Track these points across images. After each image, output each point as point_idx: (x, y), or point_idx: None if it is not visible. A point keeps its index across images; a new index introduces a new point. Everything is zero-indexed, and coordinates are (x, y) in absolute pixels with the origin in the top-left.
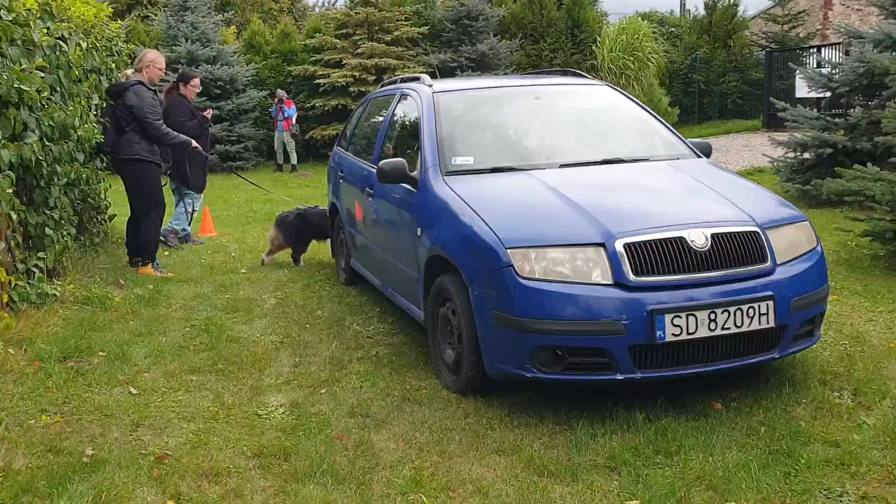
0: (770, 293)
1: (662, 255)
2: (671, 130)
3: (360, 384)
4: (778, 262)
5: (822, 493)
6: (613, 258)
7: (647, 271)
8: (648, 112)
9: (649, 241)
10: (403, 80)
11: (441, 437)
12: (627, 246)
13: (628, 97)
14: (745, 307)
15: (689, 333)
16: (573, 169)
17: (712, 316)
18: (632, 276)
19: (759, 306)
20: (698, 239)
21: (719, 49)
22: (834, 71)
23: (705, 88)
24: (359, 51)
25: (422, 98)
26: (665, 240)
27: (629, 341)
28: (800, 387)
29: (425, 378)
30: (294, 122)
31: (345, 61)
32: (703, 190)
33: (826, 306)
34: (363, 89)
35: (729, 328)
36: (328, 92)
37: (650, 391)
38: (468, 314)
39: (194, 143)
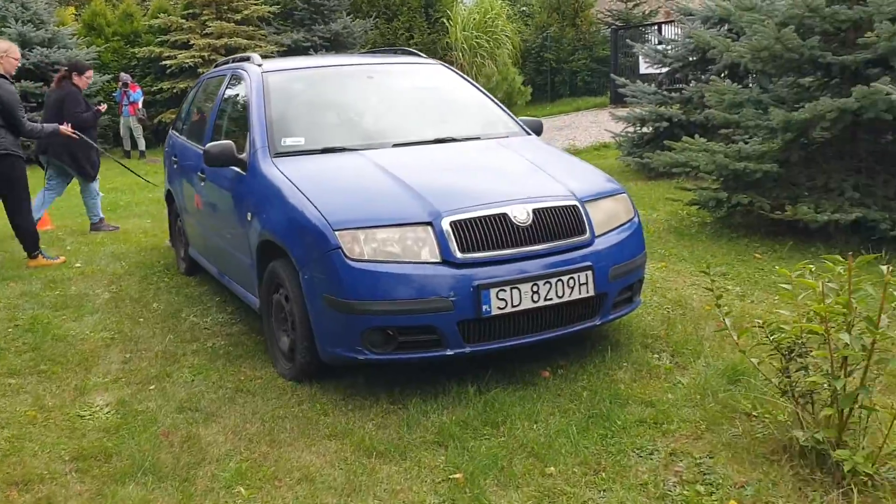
0: (589, 263)
1: (487, 232)
2: (503, 109)
3: (192, 378)
4: (596, 234)
5: (636, 453)
6: (441, 236)
7: (472, 248)
8: (481, 91)
9: (474, 219)
10: (235, 60)
11: (272, 427)
12: (454, 224)
13: (462, 76)
14: (565, 278)
15: (513, 306)
16: (405, 149)
17: (535, 288)
18: (458, 254)
19: (578, 276)
20: (520, 214)
21: (568, 27)
22: (668, 47)
23: (556, 67)
24: (207, 31)
25: (251, 78)
26: (489, 216)
27: (457, 317)
28: (623, 351)
29: (262, 368)
30: (140, 106)
31: (192, 42)
32: (529, 167)
33: (644, 273)
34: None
35: (551, 299)
36: (176, 74)
37: (482, 364)
38: (300, 299)
39: (66, 130)
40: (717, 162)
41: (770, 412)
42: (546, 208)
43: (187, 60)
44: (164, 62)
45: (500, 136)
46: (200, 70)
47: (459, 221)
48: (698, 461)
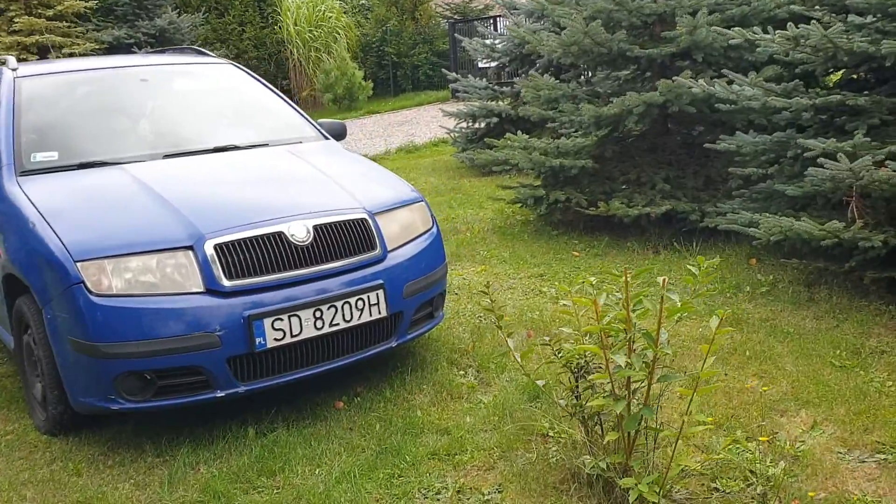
0: (380, 282)
1: (259, 254)
2: (299, 112)
3: None
4: (389, 248)
5: (422, 493)
6: (204, 262)
7: (242, 273)
8: (275, 93)
9: (243, 240)
10: None
11: (10, 496)
12: (219, 247)
13: (255, 77)
14: (353, 300)
15: (293, 336)
16: (178, 160)
17: (318, 314)
18: (225, 281)
19: (368, 297)
20: (299, 232)
21: (408, 21)
22: (496, 41)
23: (398, 61)
24: (14, 27)
25: (1, 83)
26: (262, 236)
27: (226, 353)
28: (427, 370)
29: (19, 419)
30: None
31: None
32: (317, 176)
33: (445, 286)
34: None
35: (338, 324)
36: None
37: (270, 399)
38: (45, 341)
39: None
40: (532, 159)
41: (566, 432)
42: (329, 224)
43: None
44: None
45: (292, 143)
46: None
47: (226, 244)
48: (486, 498)
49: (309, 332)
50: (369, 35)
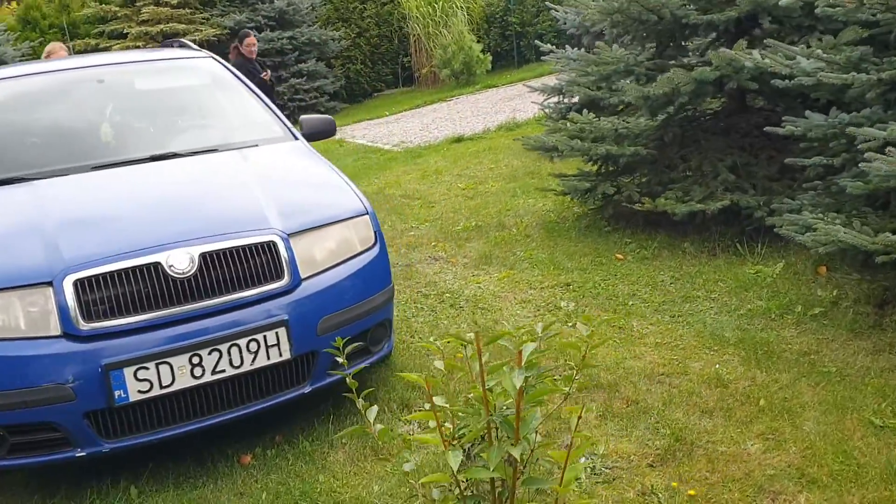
0: (282, 318)
1: (128, 290)
2: (272, 112)
3: None
4: (304, 276)
5: None
6: (61, 301)
7: (104, 314)
8: (250, 91)
9: (109, 273)
10: None
11: None
12: (79, 282)
13: (233, 73)
14: (242, 342)
15: (163, 387)
16: (103, 173)
17: (195, 360)
18: (82, 324)
19: (264, 337)
20: (180, 263)
21: None
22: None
23: (521, 31)
24: (142, 17)
25: None
26: (132, 268)
27: (82, 407)
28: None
29: None
30: None
31: (127, 30)
32: (240, 190)
33: (389, 314)
34: None
35: (223, 370)
36: None
37: (150, 455)
38: None
39: None
40: (575, 146)
41: None
42: (222, 250)
43: (130, 48)
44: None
45: (248, 146)
46: None
47: (87, 279)
48: None
49: (184, 381)
50: (493, 5)
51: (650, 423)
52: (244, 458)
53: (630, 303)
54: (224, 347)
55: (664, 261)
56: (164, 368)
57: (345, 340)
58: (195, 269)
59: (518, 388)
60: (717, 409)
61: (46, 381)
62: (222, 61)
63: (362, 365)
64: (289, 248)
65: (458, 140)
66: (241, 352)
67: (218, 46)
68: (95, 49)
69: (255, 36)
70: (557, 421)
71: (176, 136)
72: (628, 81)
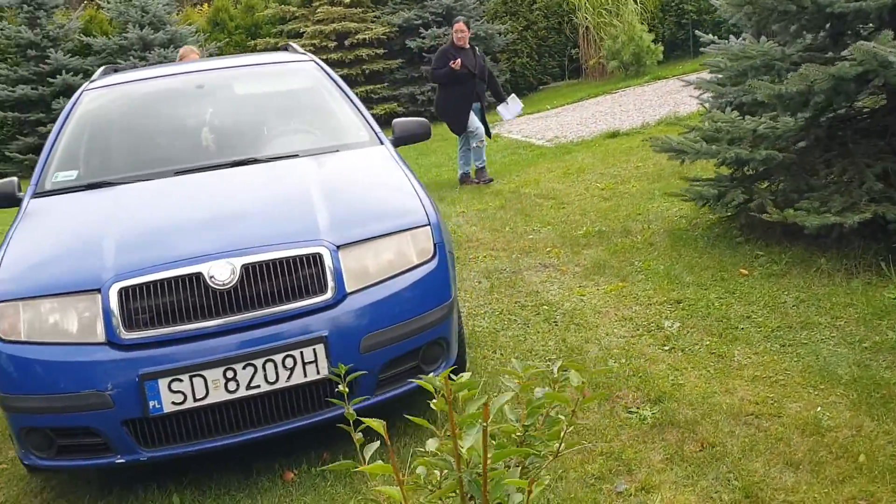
0: (320, 334)
1: (170, 300)
2: (361, 116)
3: None
4: (351, 290)
5: None
6: (106, 309)
7: (144, 323)
8: (345, 93)
9: (150, 283)
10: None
11: None
12: (123, 291)
13: (329, 77)
14: (278, 358)
15: (196, 400)
16: (182, 178)
17: (229, 374)
18: (123, 332)
19: (302, 353)
20: (221, 274)
21: None
22: None
23: (698, 19)
24: (317, 17)
25: (73, 97)
26: (174, 278)
27: (120, 416)
28: (423, 436)
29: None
30: None
31: (303, 30)
32: (300, 198)
33: (446, 331)
34: (324, 57)
35: (258, 386)
36: None
37: (199, 463)
38: None
39: None
40: (700, 148)
41: None
42: (266, 261)
43: None
44: None
45: (330, 151)
46: None
47: (131, 287)
48: None
49: (218, 395)
50: None
51: (722, 472)
52: (287, 474)
53: (741, 326)
54: (259, 362)
55: (792, 279)
56: (197, 381)
57: (385, 361)
58: (236, 280)
59: (482, 446)
60: (805, 461)
61: (88, 388)
62: (322, 65)
63: (408, 388)
64: (336, 261)
65: (613, 135)
66: (276, 368)
67: (387, 44)
68: (274, 49)
69: (449, 28)
70: (617, 462)
71: (265, 141)
72: (762, 79)
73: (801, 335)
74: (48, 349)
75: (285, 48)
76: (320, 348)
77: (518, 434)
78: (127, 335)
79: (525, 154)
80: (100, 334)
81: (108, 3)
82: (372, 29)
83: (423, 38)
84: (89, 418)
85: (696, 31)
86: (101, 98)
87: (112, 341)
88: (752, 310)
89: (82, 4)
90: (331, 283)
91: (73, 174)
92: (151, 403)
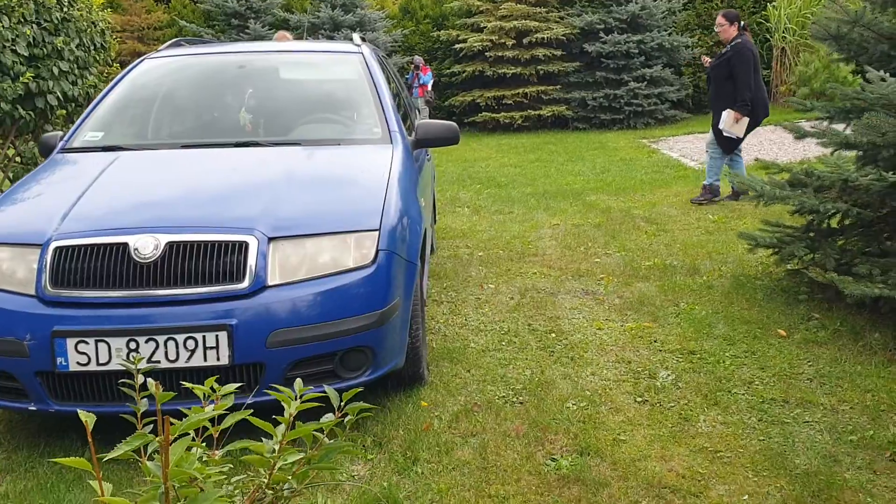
0: (225, 322)
1: (95, 265)
2: (385, 113)
3: None
4: (273, 282)
5: None
6: (41, 264)
7: (68, 283)
8: (376, 90)
9: (84, 246)
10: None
11: None
12: (58, 250)
13: (370, 71)
14: (180, 338)
15: (99, 364)
16: (184, 152)
17: (132, 345)
18: (49, 289)
19: (204, 338)
20: (145, 248)
21: None
22: None
23: None
24: (500, 13)
25: (133, 63)
26: (103, 245)
27: (34, 367)
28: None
29: None
30: (430, 88)
31: (483, 24)
32: (261, 187)
33: (376, 340)
34: (500, 54)
35: (158, 361)
36: (470, 57)
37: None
38: None
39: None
40: (777, 194)
41: None
42: (188, 242)
43: (475, 44)
44: (457, 45)
45: (329, 144)
46: (489, 54)
47: (66, 248)
48: None
49: (119, 363)
50: None
51: None
52: None
53: (734, 391)
54: (161, 339)
55: (830, 350)
56: (102, 346)
57: (293, 360)
58: (157, 256)
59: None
60: None
61: (9, 335)
62: (369, 58)
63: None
64: (262, 253)
65: (766, 168)
66: (177, 347)
67: (566, 46)
68: (456, 40)
69: (604, 37)
70: None
71: (284, 126)
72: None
73: (790, 413)
74: None
75: (345, 39)
76: (223, 335)
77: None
78: (51, 291)
79: (667, 174)
80: (32, 287)
81: None
82: (552, 29)
83: (604, 42)
84: (9, 364)
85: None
86: (154, 68)
87: (39, 296)
88: (759, 376)
89: None
90: (249, 273)
91: (99, 135)
92: (59, 360)
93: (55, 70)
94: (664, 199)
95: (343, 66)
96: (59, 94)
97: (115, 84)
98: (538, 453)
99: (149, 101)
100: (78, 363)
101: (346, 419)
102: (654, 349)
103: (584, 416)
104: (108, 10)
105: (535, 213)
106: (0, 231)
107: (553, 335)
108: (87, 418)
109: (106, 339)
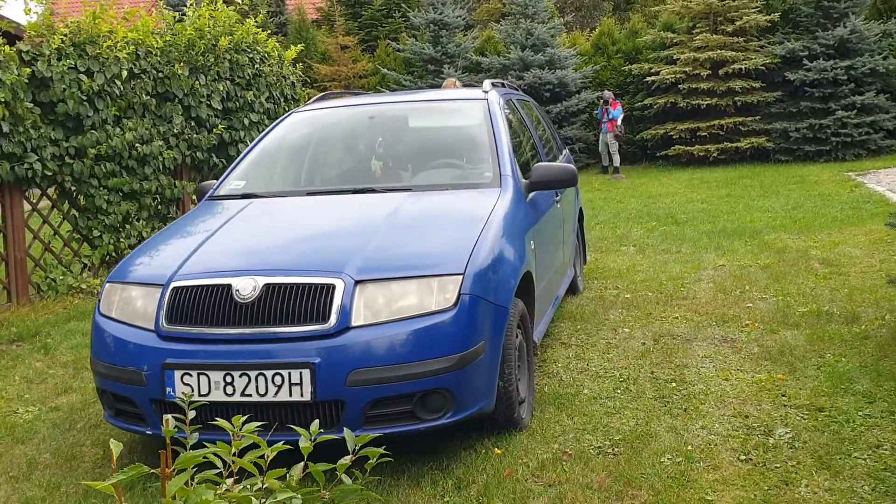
0: (309, 360)
1: (203, 304)
2: (500, 158)
3: None
4: (357, 324)
5: None
6: (160, 302)
7: (179, 320)
8: (494, 136)
9: (196, 287)
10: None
11: None
12: (176, 290)
13: (492, 118)
14: (269, 373)
15: (200, 395)
16: (307, 199)
17: (228, 378)
18: (164, 324)
19: (290, 374)
20: (245, 289)
21: None
22: None
23: None
24: (695, 44)
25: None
26: (211, 286)
27: (149, 394)
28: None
29: None
30: (619, 123)
31: (677, 56)
32: (359, 231)
33: (456, 384)
34: (694, 86)
35: (250, 395)
36: (663, 90)
37: None
38: None
39: None
40: None
41: None
42: (280, 284)
43: (668, 76)
44: (649, 77)
45: (438, 190)
46: (682, 86)
47: (181, 288)
48: None
49: (218, 395)
50: None
51: None
52: None
53: (854, 454)
54: (253, 374)
55: None
56: (203, 378)
57: (372, 399)
58: (255, 296)
59: None
60: None
61: (131, 365)
62: (494, 104)
63: (411, 430)
64: (348, 294)
65: None
66: (266, 382)
67: (766, 75)
68: (648, 73)
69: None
70: None
71: (407, 173)
72: None
73: None
74: (118, 327)
75: (477, 85)
76: (307, 372)
77: None
78: (167, 328)
79: (865, 210)
80: (152, 322)
81: (500, 25)
82: (751, 59)
83: (808, 70)
84: (130, 390)
85: None
86: (300, 121)
87: (157, 331)
88: (891, 440)
89: (476, 27)
90: (334, 314)
91: (242, 184)
92: (168, 389)
93: (246, 121)
94: (851, 238)
95: (466, 114)
96: (248, 142)
97: (264, 136)
98: None
99: (288, 152)
100: (183, 393)
101: (367, 463)
102: (778, 404)
103: (676, 472)
104: (321, 62)
105: (703, 252)
106: (137, 272)
107: (673, 384)
108: (115, 447)
109: (207, 372)
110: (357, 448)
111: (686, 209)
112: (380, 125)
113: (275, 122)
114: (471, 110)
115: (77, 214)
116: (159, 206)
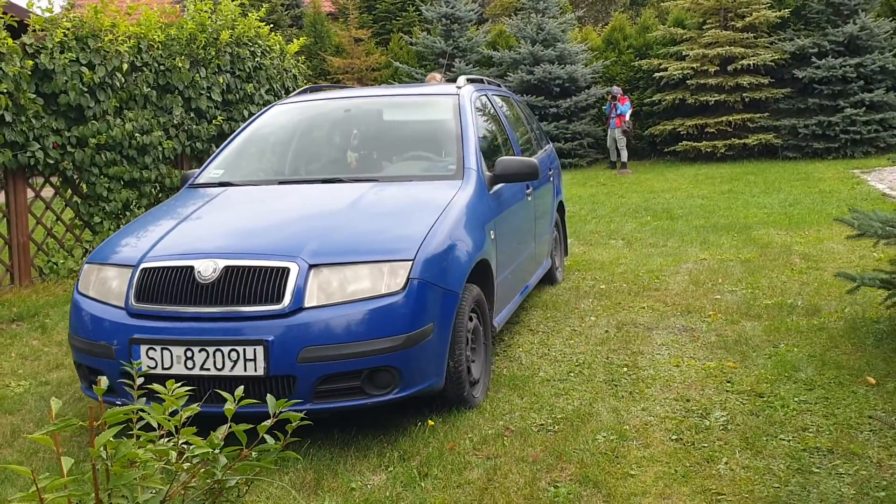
0: (262, 338)
1: (168, 284)
2: (462, 151)
3: None
4: (310, 304)
5: None
6: (130, 282)
7: (147, 298)
8: (462, 131)
9: (162, 268)
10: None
11: None
12: (144, 271)
13: (461, 112)
14: (226, 349)
15: (164, 368)
16: (277, 187)
17: (189, 353)
18: (133, 302)
19: (244, 350)
20: (206, 270)
21: None
22: None
23: None
24: (704, 40)
25: (265, 108)
26: (176, 268)
27: (119, 367)
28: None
29: None
30: (627, 118)
31: (685, 52)
32: (318, 217)
33: (403, 361)
34: (703, 82)
35: (208, 369)
36: (672, 86)
37: None
38: None
39: None
40: (881, 232)
41: None
42: (239, 266)
43: (676, 72)
44: (657, 73)
45: (402, 180)
46: (690, 82)
47: (149, 269)
48: None
49: (179, 369)
50: None
51: None
52: None
53: (781, 436)
54: (211, 349)
55: None
56: (165, 353)
57: (322, 375)
58: (215, 277)
59: None
60: None
61: (103, 339)
62: (465, 100)
63: (357, 405)
64: (302, 277)
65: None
66: (223, 357)
67: (775, 71)
68: (656, 69)
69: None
70: None
71: (374, 164)
72: None
73: (827, 463)
74: (93, 304)
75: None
76: (260, 349)
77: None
78: (135, 305)
79: (861, 207)
80: (123, 300)
81: (511, 20)
82: (760, 55)
83: (817, 67)
84: (100, 363)
85: None
86: (279, 113)
87: (126, 308)
88: (818, 423)
89: (488, 21)
90: (289, 296)
91: (220, 173)
92: (134, 363)
93: (245, 113)
94: (838, 234)
95: (438, 108)
96: None
97: (245, 127)
98: (542, 480)
99: (267, 143)
100: (148, 367)
101: (288, 425)
102: (721, 389)
103: (607, 448)
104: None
105: (688, 247)
106: (112, 254)
107: (625, 369)
108: (55, 404)
109: (169, 347)
110: (277, 412)
111: (684, 204)
112: (355, 118)
113: (258, 113)
114: (442, 105)
115: (79, 201)
116: (159, 194)
